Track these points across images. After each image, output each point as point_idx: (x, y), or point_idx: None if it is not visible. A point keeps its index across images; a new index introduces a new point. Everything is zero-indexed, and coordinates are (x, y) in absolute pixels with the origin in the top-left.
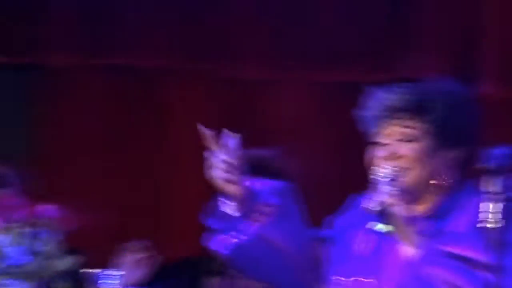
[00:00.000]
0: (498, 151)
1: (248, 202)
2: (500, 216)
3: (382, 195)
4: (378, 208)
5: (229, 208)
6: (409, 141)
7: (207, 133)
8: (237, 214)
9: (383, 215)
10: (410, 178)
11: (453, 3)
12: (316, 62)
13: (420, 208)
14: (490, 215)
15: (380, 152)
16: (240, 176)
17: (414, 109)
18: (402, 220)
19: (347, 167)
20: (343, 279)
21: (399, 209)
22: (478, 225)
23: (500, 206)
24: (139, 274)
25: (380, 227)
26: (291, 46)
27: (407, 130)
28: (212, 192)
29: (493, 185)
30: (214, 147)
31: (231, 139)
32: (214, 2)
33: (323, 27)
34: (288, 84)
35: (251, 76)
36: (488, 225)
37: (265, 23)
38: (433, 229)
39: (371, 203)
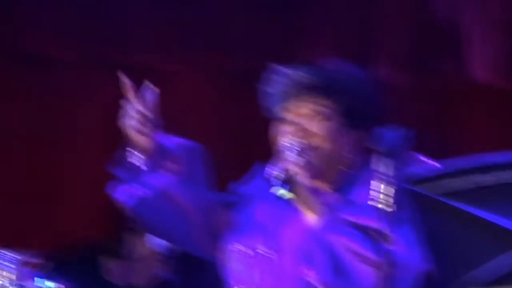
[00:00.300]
0: (389, 134)
1: (156, 156)
2: (392, 200)
3: (287, 163)
4: (282, 176)
5: (137, 159)
6: (320, 119)
7: (126, 82)
8: (144, 167)
9: (286, 183)
10: (318, 155)
11: None
12: (215, 50)
13: (324, 184)
14: (381, 196)
15: (289, 129)
16: (153, 129)
17: (326, 88)
18: (305, 189)
19: (248, 155)
20: (243, 248)
21: (303, 178)
22: (369, 202)
23: (391, 189)
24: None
25: (283, 193)
26: (190, 34)
27: (319, 108)
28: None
29: (383, 166)
30: (131, 97)
31: (150, 92)
32: None
33: (222, 15)
34: (189, 72)
35: (154, 65)
36: (380, 206)
37: (162, 12)
38: (335, 201)
39: (276, 170)
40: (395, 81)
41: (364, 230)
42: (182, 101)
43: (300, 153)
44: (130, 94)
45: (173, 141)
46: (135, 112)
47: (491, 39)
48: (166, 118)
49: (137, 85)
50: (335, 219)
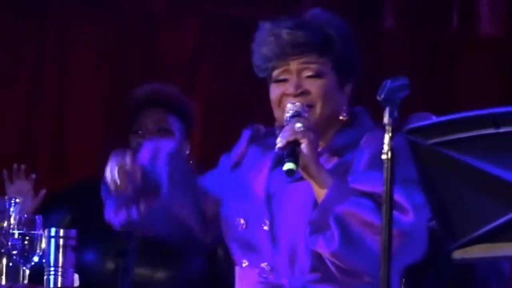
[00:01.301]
0: (389, 84)
1: (138, 189)
2: (388, 148)
3: (289, 132)
4: (285, 145)
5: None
6: (316, 77)
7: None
8: (127, 196)
9: (290, 153)
10: (316, 114)
11: None
12: None
13: (322, 144)
14: (385, 147)
15: (284, 88)
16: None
17: (318, 45)
18: (310, 158)
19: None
20: (242, 220)
21: (306, 146)
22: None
23: (388, 138)
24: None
25: (290, 167)
26: None
27: (314, 66)
28: None
29: (385, 117)
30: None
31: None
32: None
33: None
34: (185, 16)
35: (155, 11)
36: (383, 157)
37: None
38: (338, 165)
39: (278, 140)
40: (401, 33)
41: (371, 197)
42: (184, 49)
43: (300, 117)
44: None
45: (149, 153)
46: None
47: None
48: (169, 65)
49: (139, 31)
50: (341, 188)
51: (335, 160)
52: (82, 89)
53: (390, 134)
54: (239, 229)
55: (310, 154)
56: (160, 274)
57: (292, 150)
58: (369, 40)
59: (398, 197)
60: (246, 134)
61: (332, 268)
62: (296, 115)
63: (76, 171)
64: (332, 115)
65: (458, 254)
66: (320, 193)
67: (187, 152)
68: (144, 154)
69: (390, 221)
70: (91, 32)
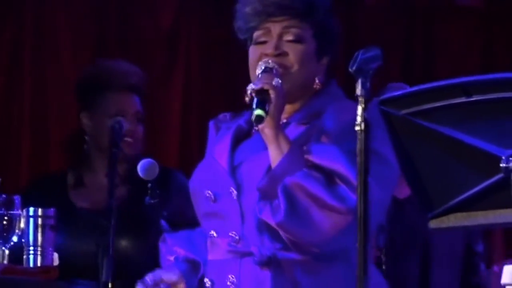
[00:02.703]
0: (361, 55)
1: None
2: (361, 119)
3: (265, 80)
4: (258, 91)
5: None
6: (296, 41)
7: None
8: None
9: (260, 101)
10: (291, 78)
11: None
12: None
13: (292, 110)
14: (358, 118)
15: (263, 49)
16: None
17: (301, 10)
18: (273, 118)
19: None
20: (209, 192)
21: (274, 106)
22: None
23: (360, 109)
24: None
25: (259, 114)
26: None
27: (295, 30)
28: None
29: (358, 88)
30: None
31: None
32: None
33: None
34: None
35: None
36: (356, 128)
37: None
38: (303, 133)
39: (251, 85)
40: (378, 2)
41: (326, 173)
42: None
43: (274, 74)
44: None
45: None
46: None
47: None
48: (149, 41)
49: (117, 8)
50: (295, 159)
51: (301, 128)
52: (61, 68)
53: (362, 105)
54: (207, 200)
55: (275, 115)
56: (138, 243)
57: (262, 99)
58: (345, 11)
59: (346, 171)
60: (211, 125)
61: (284, 238)
62: (268, 71)
63: (58, 152)
64: (305, 83)
65: (434, 224)
66: (275, 159)
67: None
68: None
69: (366, 193)
70: (69, 11)
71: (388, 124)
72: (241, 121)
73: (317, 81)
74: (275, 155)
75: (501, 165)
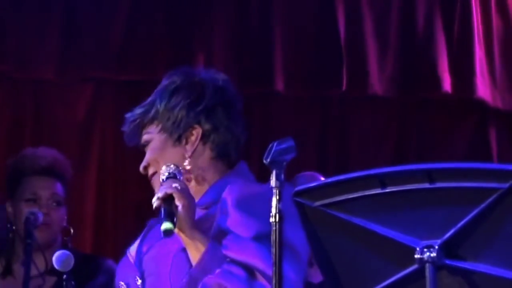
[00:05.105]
0: (275, 146)
1: None
2: (276, 210)
3: (166, 186)
4: (162, 198)
5: None
6: (147, 144)
7: None
8: None
9: (167, 213)
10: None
11: (241, 3)
12: (107, 62)
13: (199, 194)
14: (273, 209)
15: (142, 164)
16: None
17: (144, 116)
18: (186, 221)
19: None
20: (122, 283)
21: (183, 208)
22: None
23: (275, 200)
24: None
25: (165, 225)
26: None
27: (145, 137)
28: None
29: (272, 179)
30: None
31: None
32: None
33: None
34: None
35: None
36: (271, 220)
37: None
38: (203, 218)
39: (155, 197)
40: (292, 94)
41: (246, 268)
42: (77, 116)
43: (177, 180)
44: None
45: None
46: None
47: (387, 54)
48: (63, 132)
49: (31, 99)
50: (214, 256)
51: (201, 213)
52: None
53: (277, 197)
54: None
55: (186, 217)
56: None
57: (169, 210)
58: (261, 103)
59: (264, 266)
60: (148, 224)
61: None
62: (172, 176)
63: None
64: (186, 175)
65: None
66: (194, 259)
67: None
68: None
69: (281, 283)
70: None
71: (302, 215)
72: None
73: (186, 165)
74: (193, 255)
75: (415, 256)
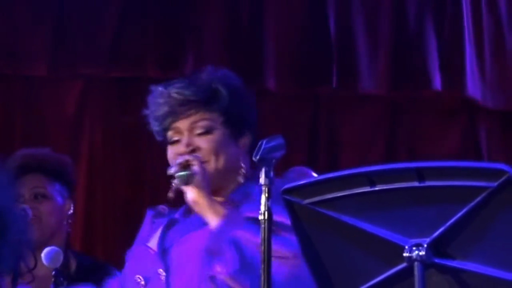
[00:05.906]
0: (264, 144)
1: None
2: (265, 208)
3: (182, 158)
4: (177, 169)
5: None
6: (206, 133)
7: None
8: None
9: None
10: (211, 168)
11: (232, 1)
12: (98, 58)
13: (221, 198)
14: (262, 207)
15: (177, 149)
16: None
17: (205, 100)
18: (203, 182)
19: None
20: (140, 277)
21: (200, 174)
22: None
23: (264, 198)
24: None
25: (181, 175)
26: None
27: (202, 123)
28: None
29: (261, 177)
30: None
31: None
32: None
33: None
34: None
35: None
36: (260, 217)
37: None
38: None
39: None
40: (283, 91)
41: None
42: (66, 113)
43: (187, 169)
44: None
45: None
46: None
47: (378, 52)
48: (53, 129)
49: (21, 96)
50: (236, 216)
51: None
52: None
53: (266, 194)
54: (137, 285)
55: (203, 181)
56: None
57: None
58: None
59: (284, 219)
60: (149, 214)
61: None
62: (181, 164)
63: None
64: (228, 168)
65: None
66: (215, 221)
67: (71, 212)
68: None
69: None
70: None
71: (291, 213)
72: (176, 215)
73: (242, 164)
74: (214, 218)
75: (404, 254)
